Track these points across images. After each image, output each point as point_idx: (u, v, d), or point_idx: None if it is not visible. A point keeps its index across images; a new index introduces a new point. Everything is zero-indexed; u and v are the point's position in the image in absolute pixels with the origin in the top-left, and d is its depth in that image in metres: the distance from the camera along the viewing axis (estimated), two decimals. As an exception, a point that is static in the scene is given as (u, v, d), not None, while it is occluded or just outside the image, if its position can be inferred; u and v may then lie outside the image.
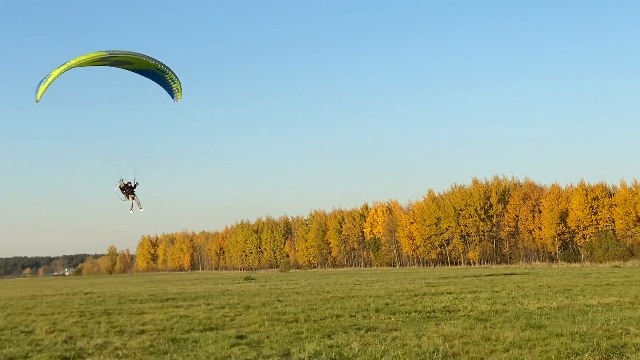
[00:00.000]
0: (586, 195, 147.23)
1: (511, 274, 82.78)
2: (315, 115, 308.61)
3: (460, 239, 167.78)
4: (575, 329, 22.54)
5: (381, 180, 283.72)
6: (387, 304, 35.85)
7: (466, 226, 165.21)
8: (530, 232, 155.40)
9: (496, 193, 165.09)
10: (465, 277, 77.66)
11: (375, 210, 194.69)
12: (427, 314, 29.95)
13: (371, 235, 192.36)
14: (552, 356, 17.99)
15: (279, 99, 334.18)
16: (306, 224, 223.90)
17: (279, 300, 41.93)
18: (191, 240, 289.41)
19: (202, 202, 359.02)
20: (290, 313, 32.22)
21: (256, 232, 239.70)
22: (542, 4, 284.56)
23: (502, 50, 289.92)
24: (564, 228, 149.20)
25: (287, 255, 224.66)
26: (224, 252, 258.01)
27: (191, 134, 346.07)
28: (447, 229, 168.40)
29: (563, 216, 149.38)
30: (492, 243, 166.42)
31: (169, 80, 37.24)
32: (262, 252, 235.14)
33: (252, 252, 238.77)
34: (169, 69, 36.61)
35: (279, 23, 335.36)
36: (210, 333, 25.74)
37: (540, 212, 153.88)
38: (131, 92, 38.44)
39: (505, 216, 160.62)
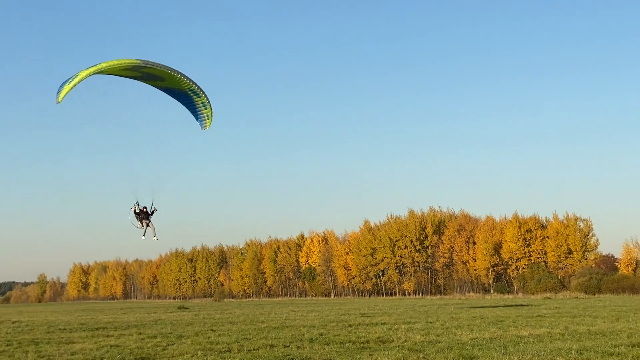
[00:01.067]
0: (519, 227, 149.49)
1: (445, 305, 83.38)
2: (251, 146, 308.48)
3: (395, 269, 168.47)
4: (507, 360, 22.82)
5: (317, 210, 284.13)
6: (322, 334, 35.80)
7: (402, 257, 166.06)
8: (464, 263, 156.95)
9: (432, 224, 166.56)
10: (400, 308, 78.00)
11: (311, 240, 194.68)
12: (361, 345, 29.96)
13: (307, 265, 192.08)
14: (483, 387, 18.18)
15: (215, 130, 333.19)
16: (241, 253, 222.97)
17: (212, 330, 41.59)
18: (124, 268, 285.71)
19: (136, 230, 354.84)
20: (223, 343, 31.97)
21: (191, 260, 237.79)
22: (463, 47, 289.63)
23: (433, 87, 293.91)
24: (498, 259, 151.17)
25: (222, 285, 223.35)
26: (157, 281, 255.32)
27: (125, 161, 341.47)
28: (382, 260, 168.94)
29: (497, 248, 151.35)
30: (427, 274, 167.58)
31: (200, 105, 34.36)
32: (197, 281, 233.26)
33: (186, 281, 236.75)
34: (203, 92, 33.57)
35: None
36: (141, 363, 25.42)
37: (474, 243, 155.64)
38: (152, 110, 34.40)
39: (441, 247, 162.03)
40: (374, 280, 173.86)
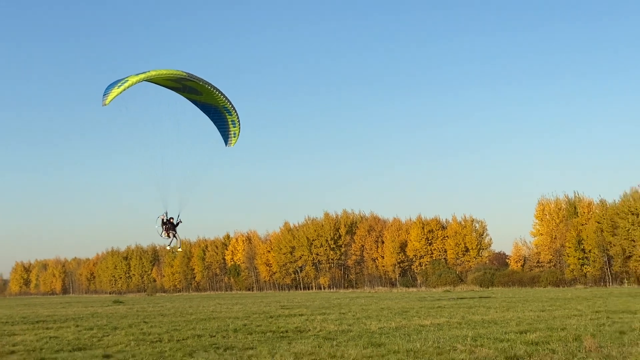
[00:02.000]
0: (423, 228, 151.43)
1: (356, 298, 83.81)
2: (180, 151, 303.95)
3: (312, 266, 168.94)
4: (411, 347, 22.99)
5: (242, 212, 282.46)
6: (245, 325, 35.64)
7: (318, 254, 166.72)
8: (374, 260, 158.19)
9: (345, 225, 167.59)
10: (316, 300, 78.14)
11: (236, 240, 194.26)
12: (281, 334, 29.91)
13: (232, 262, 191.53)
14: (390, 371, 18.30)
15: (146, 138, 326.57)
16: (172, 252, 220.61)
17: (144, 322, 41.01)
18: (63, 266, 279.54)
19: (74, 229, 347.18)
20: (155, 334, 31.56)
21: (125, 258, 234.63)
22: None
23: (349, 93, 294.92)
24: (403, 257, 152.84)
25: (154, 280, 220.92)
26: (94, 277, 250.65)
27: (65, 166, 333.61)
28: (300, 257, 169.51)
29: (403, 246, 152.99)
30: (341, 270, 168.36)
31: (230, 123, 32.72)
32: (131, 277, 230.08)
33: (121, 277, 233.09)
34: (235, 111, 32.20)
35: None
36: (78, 353, 24.91)
37: (383, 242, 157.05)
38: (180, 122, 32.49)
39: (353, 246, 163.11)
40: (292, 275, 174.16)
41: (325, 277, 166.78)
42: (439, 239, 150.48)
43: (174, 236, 35.56)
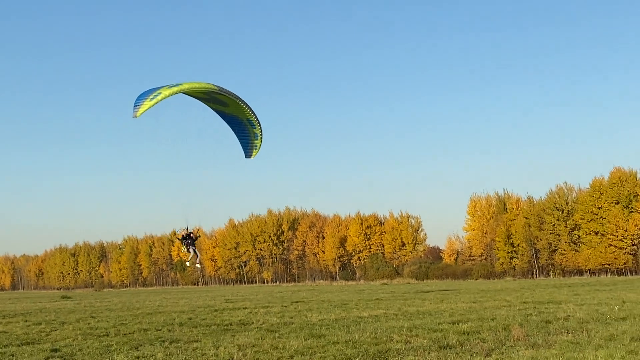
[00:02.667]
0: (361, 224, 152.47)
1: (298, 291, 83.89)
2: (128, 149, 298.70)
3: (256, 260, 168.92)
4: (349, 337, 23.08)
5: (189, 209, 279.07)
6: (190, 319, 35.37)
7: (261, 250, 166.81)
8: (315, 255, 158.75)
9: (287, 221, 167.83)
10: (260, 294, 77.99)
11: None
12: (225, 327, 29.75)
13: (178, 258, 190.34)
14: (329, 361, 18.34)
15: (93, 136, 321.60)
16: (120, 248, 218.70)
17: (92, 317, 40.38)
18: (12, 262, 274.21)
19: (23, 226, 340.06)
20: (102, 328, 31.10)
21: (73, 255, 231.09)
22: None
23: (293, 93, 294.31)
24: (343, 251, 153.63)
25: (102, 276, 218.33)
26: (43, 274, 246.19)
27: (12, 162, 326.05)
28: (244, 252, 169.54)
29: (342, 241, 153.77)
30: (283, 264, 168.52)
31: (252, 135, 31.37)
32: (79, 273, 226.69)
33: (69, 273, 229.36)
34: (259, 124, 30.88)
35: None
36: (26, 347, 24.39)
37: (323, 238, 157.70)
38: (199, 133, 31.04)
39: (295, 241, 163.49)
40: (237, 270, 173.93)
41: (269, 272, 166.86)
42: (377, 234, 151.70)
43: (194, 251, 34.27)
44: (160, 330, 29.32)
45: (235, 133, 32.22)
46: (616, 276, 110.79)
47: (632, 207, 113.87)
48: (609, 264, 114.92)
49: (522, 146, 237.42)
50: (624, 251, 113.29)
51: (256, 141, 31.98)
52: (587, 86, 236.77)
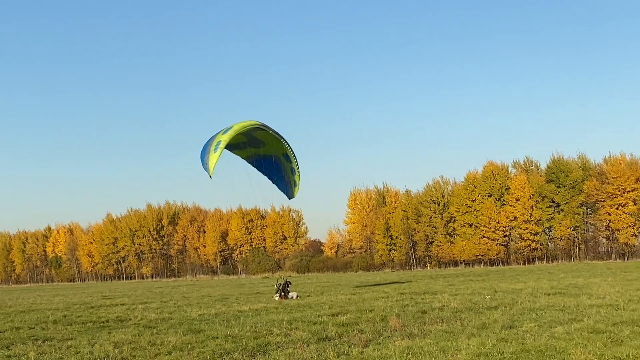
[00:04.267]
0: (243, 217, 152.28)
1: (178, 286, 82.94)
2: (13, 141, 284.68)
3: (135, 256, 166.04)
4: (229, 332, 22.98)
5: (64, 204, 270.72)
6: (65, 316, 34.34)
7: (140, 245, 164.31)
8: (196, 249, 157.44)
9: (167, 216, 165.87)
10: (138, 290, 76.64)
11: (58, 232, 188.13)
12: (102, 324, 29.04)
13: (53, 254, 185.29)
14: (208, 356, 18.16)
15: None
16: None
17: (-41, 317, 38.56)
18: None
19: None
20: (-31, 328, 29.73)
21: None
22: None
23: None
24: (225, 246, 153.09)
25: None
26: None
27: None
28: (123, 248, 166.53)
29: (224, 235, 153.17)
30: (163, 259, 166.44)
31: (289, 170, 30.43)
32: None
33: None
34: (295, 158, 29.71)
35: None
36: None
37: (204, 232, 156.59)
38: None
39: (175, 236, 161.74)
40: (115, 266, 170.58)
41: (148, 267, 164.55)
42: (259, 228, 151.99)
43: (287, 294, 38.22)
44: (33, 328, 28.34)
45: (271, 179, 31.57)
46: (489, 267, 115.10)
47: (503, 200, 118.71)
48: (482, 255, 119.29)
49: (400, 141, 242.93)
50: (496, 242, 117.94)
51: (294, 177, 31.57)
52: (457, 84, 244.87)
